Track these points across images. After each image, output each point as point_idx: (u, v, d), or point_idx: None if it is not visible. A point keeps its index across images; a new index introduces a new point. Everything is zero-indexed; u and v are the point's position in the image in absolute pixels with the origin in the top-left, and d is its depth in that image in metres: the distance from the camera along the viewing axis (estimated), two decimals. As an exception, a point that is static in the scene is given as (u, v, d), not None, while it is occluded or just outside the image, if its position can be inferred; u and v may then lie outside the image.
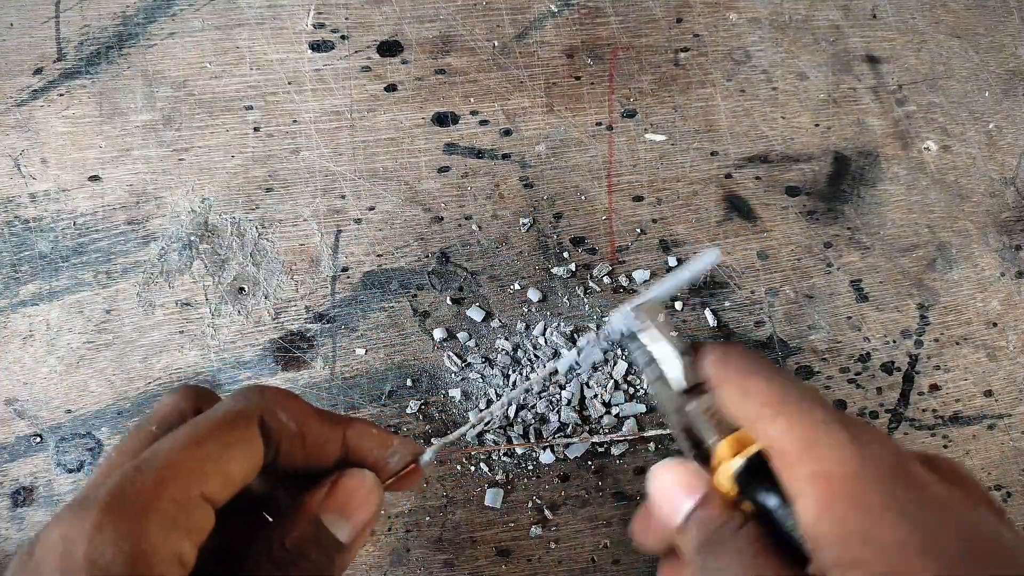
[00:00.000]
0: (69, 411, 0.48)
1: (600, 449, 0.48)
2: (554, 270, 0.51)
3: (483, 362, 0.49)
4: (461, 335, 0.50)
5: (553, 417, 0.48)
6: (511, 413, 0.48)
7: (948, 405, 0.51)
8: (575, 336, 0.50)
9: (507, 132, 0.54)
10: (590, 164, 0.54)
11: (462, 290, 0.51)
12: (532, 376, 0.49)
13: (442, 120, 0.54)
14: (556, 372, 0.48)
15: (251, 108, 0.53)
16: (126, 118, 0.52)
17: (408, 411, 0.48)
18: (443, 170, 0.53)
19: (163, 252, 0.50)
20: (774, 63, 0.57)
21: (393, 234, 0.51)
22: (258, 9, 0.55)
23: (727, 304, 0.52)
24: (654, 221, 0.53)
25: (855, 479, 0.25)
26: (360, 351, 0.49)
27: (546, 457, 0.47)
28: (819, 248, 0.53)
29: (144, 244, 0.50)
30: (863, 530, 0.25)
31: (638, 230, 0.53)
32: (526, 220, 0.52)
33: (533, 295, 0.50)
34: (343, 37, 0.55)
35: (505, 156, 0.53)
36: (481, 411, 0.48)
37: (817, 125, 0.56)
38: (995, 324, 0.53)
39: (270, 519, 0.31)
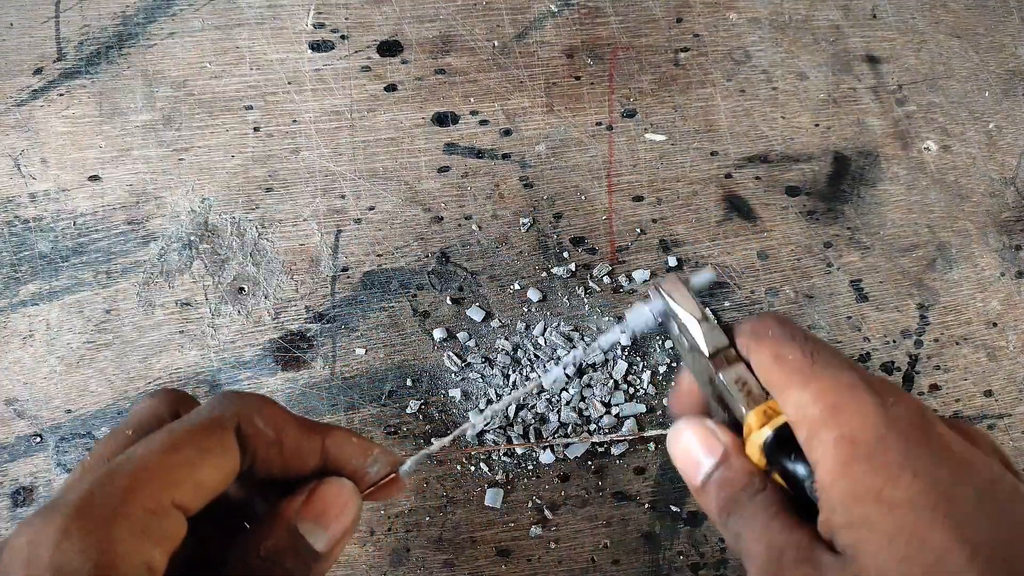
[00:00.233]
0: (69, 411, 0.48)
1: (600, 449, 0.48)
2: (554, 270, 0.51)
3: (483, 362, 0.49)
4: (461, 335, 0.50)
5: (553, 417, 0.48)
6: (511, 413, 0.48)
7: (948, 405, 0.51)
8: (573, 336, 0.50)
9: (507, 132, 0.54)
10: (590, 164, 0.54)
11: (462, 290, 0.51)
12: (536, 374, 0.49)
13: (442, 120, 0.54)
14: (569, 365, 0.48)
15: (251, 108, 0.53)
16: (126, 118, 0.52)
17: (408, 411, 0.48)
18: (443, 170, 0.53)
19: (163, 252, 0.50)
20: (774, 63, 0.57)
21: (393, 234, 0.51)
22: (258, 9, 0.55)
23: (727, 304, 0.52)
24: (654, 221, 0.53)
25: (877, 441, 0.25)
26: (360, 351, 0.49)
27: (546, 457, 0.47)
28: (819, 248, 0.53)
29: (144, 244, 0.50)
30: (877, 488, 0.24)
31: (638, 230, 0.53)
32: (526, 220, 0.52)
33: (533, 295, 0.50)
34: (343, 37, 0.55)
35: (505, 156, 0.53)
36: (482, 410, 0.48)
37: (817, 125, 0.56)
38: (995, 324, 0.53)
39: (247, 527, 0.31)
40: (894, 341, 0.52)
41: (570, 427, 0.48)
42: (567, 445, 0.48)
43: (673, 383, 0.36)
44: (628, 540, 0.47)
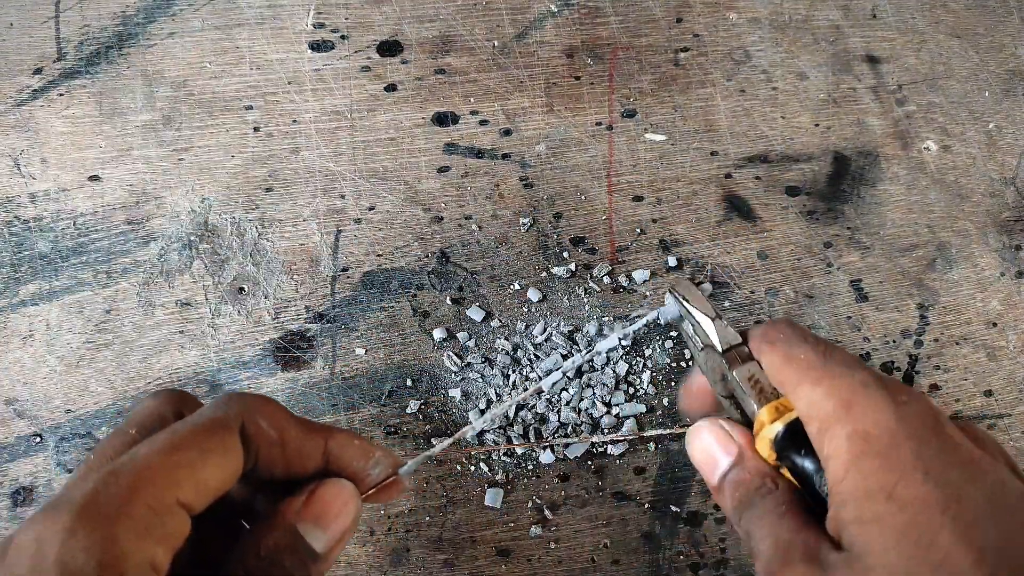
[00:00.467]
0: (69, 411, 0.47)
1: (600, 449, 0.48)
2: (554, 270, 0.51)
3: (483, 362, 0.49)
4: (461, 335, 0.50)
5: (553, 417, 0.48)
6: (511, 413, 0.48)
7: (948, 405, 0.51)
8: (575, 336, 0.50)
9: (507, 132, 0.54)
10: (590, 164, 0.54)
11: (462, 290, 0.51)
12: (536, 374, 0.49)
13: (442, 120, 0.54)
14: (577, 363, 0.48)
15: (251, 108, 0.53)
16: (126, 118, 0.52)
17: (408, 411, 0.48)
18: (443, 170, 0.53)
19: (163, 252, 0.50)
20: (774, 63, 0.57)
21: (393, 234, 0.51)
22: (258, 9, 0.55)
23: (727, 304, 0.52)
24: (654, 221, 0.53)
25: (888, 438, 0.26)
26: (360, 351, 0.49)
27: (546, 457, 0.47)
28: (819, 248, 0.53)
29: (144, 244, 0.50)
30: (888, 487, 0.25)
31: (638, 230, 0.53)
32: (526, 220, 0.52)
33: (533, 295, 0.50)
34: (343, 37, 0.55)
35: (505, 156, 0.53)
36: (483, 411, 0.48)
37: (817, 125, 0.56)
38: (995, 324, 0.53)
39: (247, 526, 0.31)
40: (894, 341, 0.52)
41: (570, 427, 0.48)
42: (567, 445, 0.48)
43: (683, 383, 0.37)
44: (628, 540, 0.47)
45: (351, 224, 0.51)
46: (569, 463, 0.48)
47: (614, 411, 0.48)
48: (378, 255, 0.51)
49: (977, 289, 0.53)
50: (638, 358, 0.49)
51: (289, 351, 0.49)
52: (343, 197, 0.52)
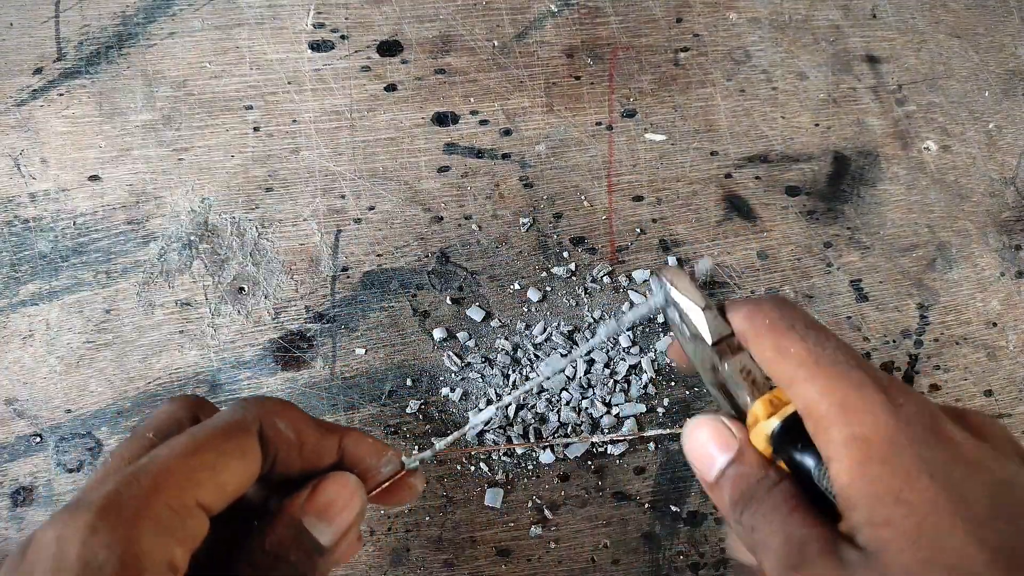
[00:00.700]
0: (69, 411, 0.47)
1: (600, 449, 0.48)
2: (554, 270, 0.51)
3: (483, 362, 0.49)
4: (461, 335, 0.50)
5: (553, 417, 0.48)
6: (511, 413, 0.48)
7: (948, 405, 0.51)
8: (574, 336, 0.50)
9: (507, 132, 0.54)
10: (590, 164, 0.54)
11: (462, 290, 0.51)
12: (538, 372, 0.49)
13: (442, 120, 0.54)
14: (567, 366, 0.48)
15: (251, 108, 0.53)
16: (126, 118, 0.52)
17: (408, 411, 0.48)
18: (443, 170, 0.53)
19: (163, 252, 0.50)
20: (774, 63, 0.57)
21: (393, 234, 0.51)
22: (258, 9, 0.55)
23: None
24: (654, 221, 0.53)
25: (889, 442, 0.26)
26: (360, 351, 0.49)
27: (546, 457, 0.47)
28: (819, 248, 0.53)
29: (144, 244, 0.50)
30: (896, 491, 0.25)
31: (638, 230, 0.53)
32: (526, 220, 0.52)
33: (533, 295, 0.50)
34: (343, 37, 0.55)
35: (505, 156, 0.53)
36: (481, 410, 0.48)
37: (817, 125, 0.56)
38: (995, 324, 0.53)
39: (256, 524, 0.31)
40: (894, 341, 0.52)
41: (570, 427, 0.48)
42: (567, 445, 0.48)
43: (671, 344, 0.35)
44: (628, 540, 0.47)
45: (351, 224, 0.51)
46: (569, 463, 0.48)
47: (614, 411, 0.48)
48: (378, 255, 0.51)
49: (977, 289, 0.53)
50: (639, 358, 0.49)
51: (289, 351, 0.49)
52: (343, 197, 0.52)
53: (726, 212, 0.53)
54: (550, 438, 0.48)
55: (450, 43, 0.55)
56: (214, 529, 0.27)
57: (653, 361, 0.49)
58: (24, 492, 0.46)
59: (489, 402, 0.48)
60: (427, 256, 0.51)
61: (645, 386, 0.49)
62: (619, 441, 0.48)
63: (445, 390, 0.49)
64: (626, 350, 0.50)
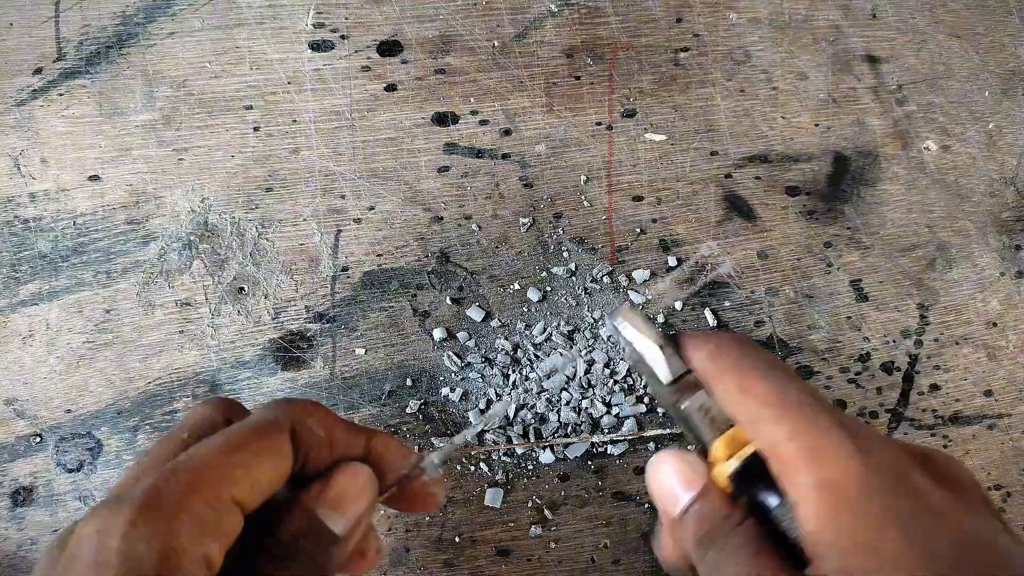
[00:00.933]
0: (69, 411, 0.48)
1: (600, 449, 0.48)
2: (554, 270, 0.51)
3: (483, 362, 0.49)
4: (461, 335, 0.50)
5: (553, 417, 0.48)
6: (511, 413, 0.48)
7: (948, 405, 0.51)
8: (574, 336, 0.50)
9: (507, 132, 0.54)
10: (590, 164, 0.54)
11: (462, 290, 0.51)
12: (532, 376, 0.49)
13: (442, 120, 0.54)
14: (552, 374, 0.48)
15: (251, 108, 0.53)
16: (126, 118, 0.52)
17: (408, 411, 0.48)
18: (443, 170, 0.53)
19: (163, 252, 0.50)
20: (774, 63, 0.57)
21: (393, 234, 0.51)
22: (258, 9, 0.55)
23: (727, 304, 0.52)
24: (654, 221, 0.53)
25: (859, 490, 0.26)
26: (360, 351, 0.49)
27: (546, 457, 0.47)
28: (819, 248, 0.53)
29: (144, 244, 0.50)
30: (867, 541, 0.25)
31: (638, 230, 0.53)
32: (526, 220, 0.52)
33: (533, 295, 0.50)
34: (343, 37, 0.55)
35: (505, 156, 0.53)
36: (485, 411, 0.48)
37: (817, 125, 0.56)
38: (995, 324, 0.53)
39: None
40: (894, 341, 0.52)
41: (570, 427, 0.48)
42: (567, 445, 0.48)
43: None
44: (628, 540, 0.47)
45: (351, 224, 0.51)
46: (569, 463, 0.48)
47: (614, 411, 0.48)
48: (378, 255, 0.51)
49: (977, 289, 0.53)
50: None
51: (289, 351, 0.49)
52: (343, 197, 0.52)
53: (726, 212, 0.53)
54: (550, 438, 0.48)
55: (450, 43, 0.55)
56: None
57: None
58: (24, 492, 0.46)
59: (489, 402, 0.48)
60: (427, 256, 0.51)
61: (645, 386, 0.49)
62: (619, 441, 0.48)
63: (445, 390, 0.49)
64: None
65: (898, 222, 0.54)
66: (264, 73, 0.54)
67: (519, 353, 0.49)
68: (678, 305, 0.51)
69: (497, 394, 0.48)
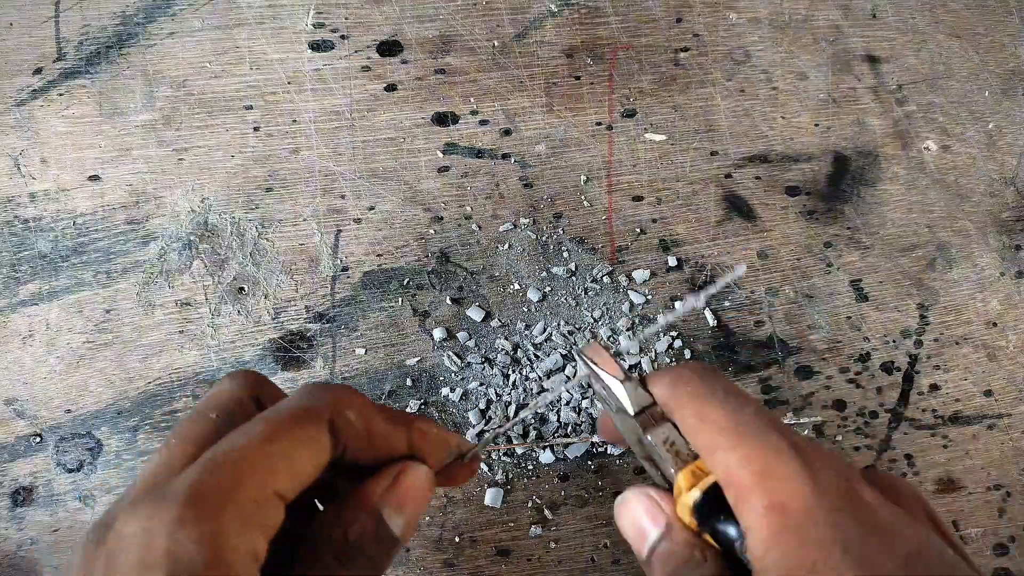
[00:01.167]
0: (69, 411, 0.47)
1: (600, 449, 0.48)
2: (554, 270, 0.51)
3: (483, 362, 0.49)
4: (461, 335, 0.50)
5: (553, 417, 0.48)
6: (511, 413, 0.48)
7: (948, 405, 0.51)
8: (574, 336, 0.50)
9: (507, 132, 0.54)
10: (590, 164, 0.54)
11: (462, 290, 0.51)
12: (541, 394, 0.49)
13: (442, 120, 0.54)
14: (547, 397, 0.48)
15: (251, 108, 0.53)
16: (126, 118, 0.52)
17: (408, 411, 0.48)
18: (443, 170, 0.53)
19: (163, 252, 0.50)
20: (774, 63, 0.57)
21: (393, 234, 0.51)
22: (258, 9, 0.55)
23: (727, 304, 0.52)
24: (654, 221, 0.53)
25: (805, 511, 0.25)
26: (360, 351, 0.49)
27: (546, 457, 0.47)
28: (819, 248, 0.53)
29: (144, 244, 0.50)
30: (809, 563, 0.25)
31: (638, 230, 0.53)
32: (526, 220, 0.52)
33: (533, 295, 0.50)
34: (343, 37, 0.55)
35: (505, 156, 0.53)
36: (503, 411, 0.48)
37: (817, 125, 0.56)
38: (995, 324, 0.53)
39: (321, 507, 0.31)
40: (894, 341, 0.52)
41: (570, 427, 0.48)
42: (567, 445, 0.48)
43: (599, 418, 0.36)
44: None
45: (351, 224, 0.51)
46: (569, 463, 0.48)
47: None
48: (378, 255, 0.51)
49: (977, 289, 0.53)
50: (640, 359, 0.50)
51: (289, 351, 0.49)
52: (343, 197, 0.52)
53: (726, 212, 0.53)
54: (550, 438, 0.48)
55: (450, 43, 0.55)
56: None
57: (653, 361, 0.49)
58: (24, 492, 0.46)
59: (489, 403, 0.48)
60: (427, 256, 0.51)
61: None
62: (619, 441, 0.48)
63: (445, 390, 0.49)
64: (627, 351, 0.50)
65: (898, 222, 0.54)
66: (264, 73, 0.54)
67: (519, 353, 0.49)
68: (700, 305, 0.51)
69: (497, 394, 0.48)
